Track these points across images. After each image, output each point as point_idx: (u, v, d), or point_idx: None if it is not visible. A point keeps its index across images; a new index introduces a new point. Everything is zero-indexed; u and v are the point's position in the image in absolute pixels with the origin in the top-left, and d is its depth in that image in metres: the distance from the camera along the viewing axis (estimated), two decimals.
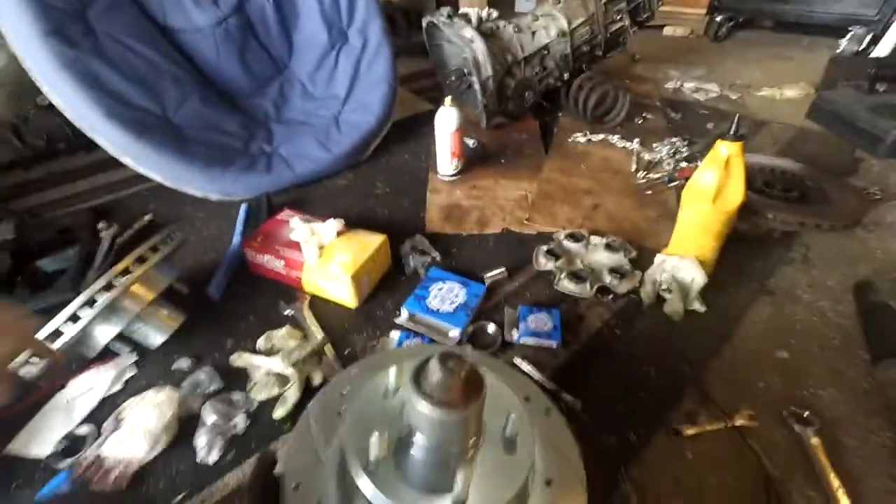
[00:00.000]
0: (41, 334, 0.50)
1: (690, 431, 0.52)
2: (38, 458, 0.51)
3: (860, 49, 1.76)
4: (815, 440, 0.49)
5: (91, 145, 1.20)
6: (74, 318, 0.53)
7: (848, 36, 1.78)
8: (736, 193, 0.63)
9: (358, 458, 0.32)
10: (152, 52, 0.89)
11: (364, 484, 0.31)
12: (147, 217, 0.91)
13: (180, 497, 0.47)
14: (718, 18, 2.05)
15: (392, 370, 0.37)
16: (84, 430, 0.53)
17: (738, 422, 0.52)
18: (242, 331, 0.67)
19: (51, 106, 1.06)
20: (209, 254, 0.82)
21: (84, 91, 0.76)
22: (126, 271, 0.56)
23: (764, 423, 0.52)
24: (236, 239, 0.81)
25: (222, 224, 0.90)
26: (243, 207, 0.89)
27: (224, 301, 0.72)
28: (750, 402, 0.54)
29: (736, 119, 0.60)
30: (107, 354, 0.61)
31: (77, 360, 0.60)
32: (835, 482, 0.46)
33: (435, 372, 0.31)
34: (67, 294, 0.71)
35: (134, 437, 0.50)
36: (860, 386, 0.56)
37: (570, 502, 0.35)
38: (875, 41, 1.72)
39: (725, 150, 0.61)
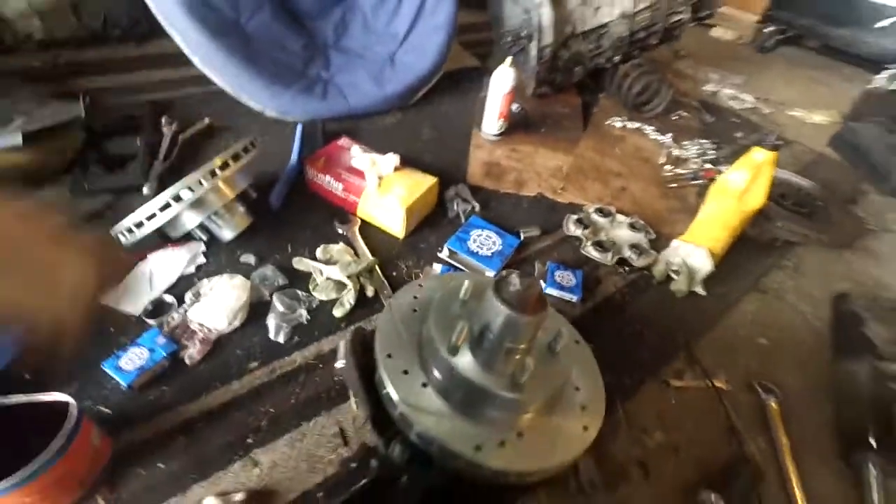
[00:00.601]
0: (151, 206, 0.57)
1: (677, 384, 0.62)
2: (130, 314, 0.59)
3: (894, 88, 1.81)
4: (774, 406, 0.61)
5: (143, 37, 1.21)
6: (166, 206, 0.59)
7: (885, 73, 1.82)
8: (759, 196, 0.71)
9: (442, 341, 0.41)
10: None
11: (445, 360, 0.40)
12: (207, 120, 0.94)
13: (255, 364, 0.56)
14: (768, 30, 2.05)
15: (466, 282, 0.45)
16: (168, 298, 0.61)
17: (717, 384, 0.63)
18: (300, 240, 0.74)
19: None
20: (265, 166, 0.87)
21: None
22: (213, 172, 0.61)
23: (737, 388, 0.63)
24: (294, 156, 0.87)
25: (274, 140, 0.94)
26: (299, 128, 0.94)
27: (283, 211, 0.79)
28: (728, 372, 0.65)
29: (775, 134, 0.67)
30: (180, 240, 0.68)
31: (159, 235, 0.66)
32: (783, 439, 0.57)
33: (515, 285, 0.39)
34: (138, 179, 0.77)
35: (215, 311, 0.58)
36: (819, 377, 0.68)
37: (594, 408, 0.45)
38: None
39: (761, 156, 0.68)
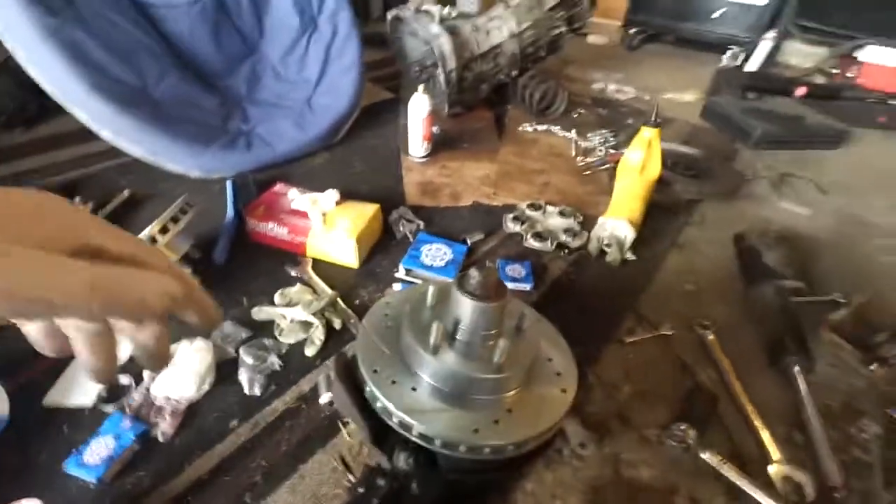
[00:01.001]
0: None
1: (631, 339, 0.70)
2: (81, 406, 0.55)
3: (738, 64, 2.17)
4: (711, 338, 0.70)
5: (31, 121, 1.14)
6: None
7: (728, 53, 2.19)
8: (655, 167, 0.83)
9: (421, 346, 0.44)
10: (131, 25, 0.88)
11: (429, 361, 0.43)
12: (126, 192, 0.90)
13: (235, 422, 0.55)
14: (632, 31, 2.38)
15: (431, 288, 0.49)
16: (124, 380, 0.57)
17: (663, 332, 0.72)
18: (254, 291, 0.73)
19: None
20: (200, 227, 0.85)
21: (66, 62, 0.75)
22: (161, 231, 0.60)
23: (679, 332, 0.72)
24: (230, 210, 0.86)
25: (205, 200, 0.92)
26: (229, 183, 0.93)
27: (230, 266, 0.77)
28: (670, 319, 0.74)
29: (655, 110, 0.79)
30: None
31: None
32: (725, 364, 0.66)
33: (475, 277, 0.44)
34: None
35: (181, 379, 0.56)
36: (739, 305, 0.79)
37: (567, 373, 0.49)
38: (747, 58, 2.14)
39: (648, 133, 0.80)
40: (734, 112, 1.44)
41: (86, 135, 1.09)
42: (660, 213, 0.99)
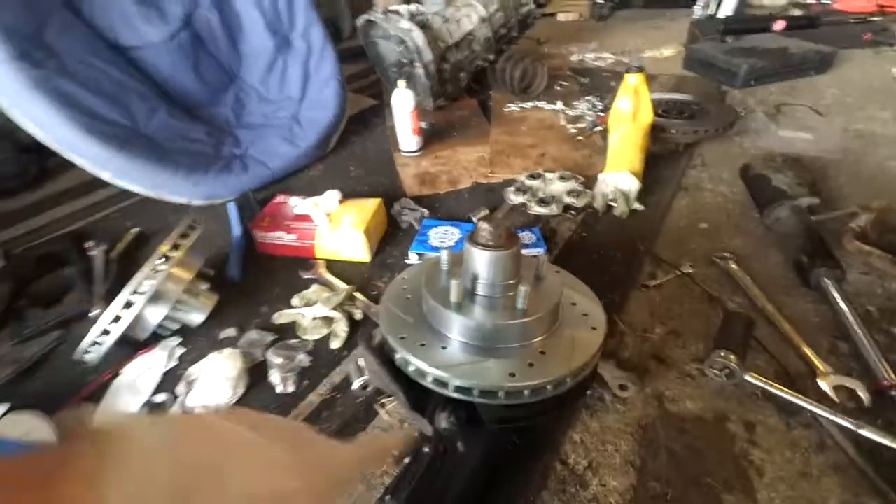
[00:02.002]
0: (113, 310, 0.55)
1: (654, 283, 0.69)
2: None
3: (711, 13, 2.16)
4: (734, 267, 0.69)
5: (34, 183, 1.17)
6: (128, 304, 0.58)
7: (699, 3, 2.18)
8: (647, 113, 0.83)
9: (445, 304, 0.43)
10: (113, 69, 0.90)
11: (455, 318, 0.43)
12: (134, 230, 0.92)
13: None
14: (599, 1, 2.39)
15: (444, 253, 0.49)
16: (160, 397, 0.58)
17: (684, 270, 0.70)
18: (271, 300, 0.73)
19: None
20: (210, 248, 0.86)
21: (58, 110, 0.77)
22: (165, 257, 0.61)
23: (700, 267, 0.71)
24: (236, 229, 0.87)
25: (210, 223, 0.93)
26: (231, 205, 0.94)
27: (245, 281, 0.78)
28: (689, 258, 0.73)
29: (635, 55, 0.79)
30: (150, 344, 0.65)
31: (128, 345, 0.63)
32: (753, 289, 0.65)
33: (486, 228, 0.44)
34: (82, 305, 0.73)
35: (215, 387, 0.56)
36: (758, 233, 0.78)
37: (594, 313, 0.49)
38: (719, 6, 2.13)
39: (633, 79, 0.80)
40: (717, 55, 1.43)
41: (87, 188, 1.13)
42: (660, 160, 0.99)
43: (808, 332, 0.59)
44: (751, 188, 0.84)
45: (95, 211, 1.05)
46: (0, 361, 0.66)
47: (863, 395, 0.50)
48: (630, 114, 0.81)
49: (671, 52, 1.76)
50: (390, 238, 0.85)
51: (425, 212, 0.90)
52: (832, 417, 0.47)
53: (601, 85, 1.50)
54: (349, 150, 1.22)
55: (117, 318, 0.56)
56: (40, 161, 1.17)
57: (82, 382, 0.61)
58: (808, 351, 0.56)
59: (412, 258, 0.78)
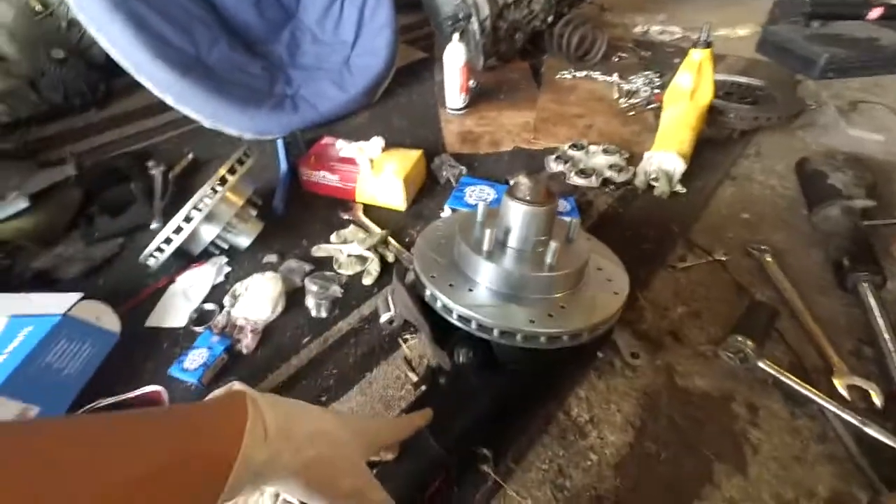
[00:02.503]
0: (175, 222, 0.61)
1: (682, 265, 0.69)
2: (175, 327, 0.62)
3: None
4: (770, 259, 0.68)
5: (102, 102, 1.24)
6: (188, 218, 0.63)
7: None
8: (707, 92, 0.79)
9: (477, 251, 0.46)
10: None
11: (484, 265, 0.45)
12: (190, 156, 0.98)
13: (307, 340, 0.60)
14: None
15: (481, 205, 0.51)
16: (209, 306, 0.64)
17: (717, 257, 0.70)
18: (311, 234, 0.78)
19: (66, 59, 1.10)
20: (259, 181, 0.91)
21: (132, 32, 0.82)
22: (222, 179, 0.66)
23: (734, 256, 0.70)
24: (283, 164, 0.91)
25: (259, 158, 0.98)
26: (280, 142, 0.98)
27: (288, 214, 0.83)
28: (723, 245, 0.72)
29: (707, 28, 0.75)
30: (202, 258, 0.72)
31: (182, 258, 0.70)
32: (785, 283, 0.64)
33: (525, 183, 0.45)
34: (144, 217, 0.80)
35: (257, 303, 0.62)
36: (802, 230, 0.75)
37: (618, 279, 0.50)
38: None
39: (698, 55, 0.76)
40: (796, 40, 1.32)
41: (150, 111, 1.20)
42: (712, 145, 0.95)
43: (833, 332, 0.58)
44: (804, 184, 0.81)
45: (156, 134, 1.12)
46: (73, 258, 0.74)
47: (877, 398, 0.50)
48: (689, 91, 0.78)
49: (746, 31, 1.63)
50: (427, 191, 0.88)
51: (464, 169, 0.91)
52: (838, 412, 0.48)
53: (663, 60, 1.42)
54: (395, 101, 1.23)
55: (178, 230, 0.62)
56: (108, 80, 1.24)
57: (143, 284, 0.69)
58: (828, 348, 0.56)
59: (446, 211, 0.80)
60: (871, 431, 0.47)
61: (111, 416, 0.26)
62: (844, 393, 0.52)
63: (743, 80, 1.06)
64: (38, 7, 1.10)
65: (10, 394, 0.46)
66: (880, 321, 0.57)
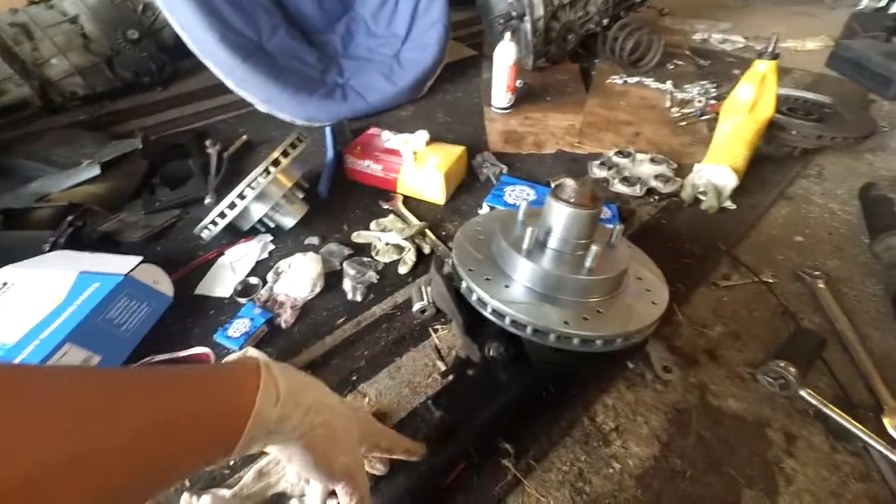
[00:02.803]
0: (230, 198, 0.65)
1: (726, 283, 0.67)
2: (221, 297, 0.66)
3: (881, 5, 1.83)
4: (822, 286, 0.64)
5: (167, 82, 1.32)
6: (241, 196, 0.67)
7: None
8: (768, 106, 0.76)
9: (517, 248, 0.46)
10: None
11: (523, 262, 0.46)
12: (244, 137, 1.03)
13: (342, 321, 0.63)
14: None
15: (524, 203, 0.51)
16: (253, 280, 0.68)
17: (763, 279, 0.67)
18: (352, 220, 0.81)
19: (139, 40, 1.17)
20: (307, 165, 0.95)
21: (201, 16, 0.87)
22: (276, 161, 0.69)
23: (783, 280, 0.67)
24: (330, 151, 0.94)
25: (307, 144, 1.02)
26: (328, 129, 1.01)
27: (331, 199, 0.86)
28: (772, 268, 0.69)
29: (774, 38, 0.72)
30: (249, 234, 0.76)
31: (231, 233, 0.74)
32: (837, 311, 0.61)
33: (571, 185, 0.45)
34: (200, 192, 0.85)
35: (298, 281, 0.65)
36: (860, 259, 0.71)
37: (658, 291, 0.49)
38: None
39: (763, 66, 0.73)
40: (872, 56, 1.24)
41: (210, 92, 1.26)
42: (769, 162, 0.91)
43: (886, 368, 0.55)
44: (867, 210, 0.76)
45: (214, 115, 1.18)
46: (135, 224, 0.80)
47: None
48: (749, 103, 0.75)
49: (816, 45, 1.54)
50: (467, 187, 0.88)
51: (505, 168, 0.91)
52: (886, 451, 0.46)
53: (722, 70, 1.36)
54: (441, 97, 1.24)
55: (232, 205, 0.66)
56: (174, 62, 1.32)
57: (195, 254, 0.74)
58: (880, 385, 0.53)
59: (484, 209, 0.81)
60: None
61: (130, 369, 0.28)
62: (894, 433, 0.49)
63: (810, 95, 1.00)
64: None
65: (78, 342, 0.51)
66: None
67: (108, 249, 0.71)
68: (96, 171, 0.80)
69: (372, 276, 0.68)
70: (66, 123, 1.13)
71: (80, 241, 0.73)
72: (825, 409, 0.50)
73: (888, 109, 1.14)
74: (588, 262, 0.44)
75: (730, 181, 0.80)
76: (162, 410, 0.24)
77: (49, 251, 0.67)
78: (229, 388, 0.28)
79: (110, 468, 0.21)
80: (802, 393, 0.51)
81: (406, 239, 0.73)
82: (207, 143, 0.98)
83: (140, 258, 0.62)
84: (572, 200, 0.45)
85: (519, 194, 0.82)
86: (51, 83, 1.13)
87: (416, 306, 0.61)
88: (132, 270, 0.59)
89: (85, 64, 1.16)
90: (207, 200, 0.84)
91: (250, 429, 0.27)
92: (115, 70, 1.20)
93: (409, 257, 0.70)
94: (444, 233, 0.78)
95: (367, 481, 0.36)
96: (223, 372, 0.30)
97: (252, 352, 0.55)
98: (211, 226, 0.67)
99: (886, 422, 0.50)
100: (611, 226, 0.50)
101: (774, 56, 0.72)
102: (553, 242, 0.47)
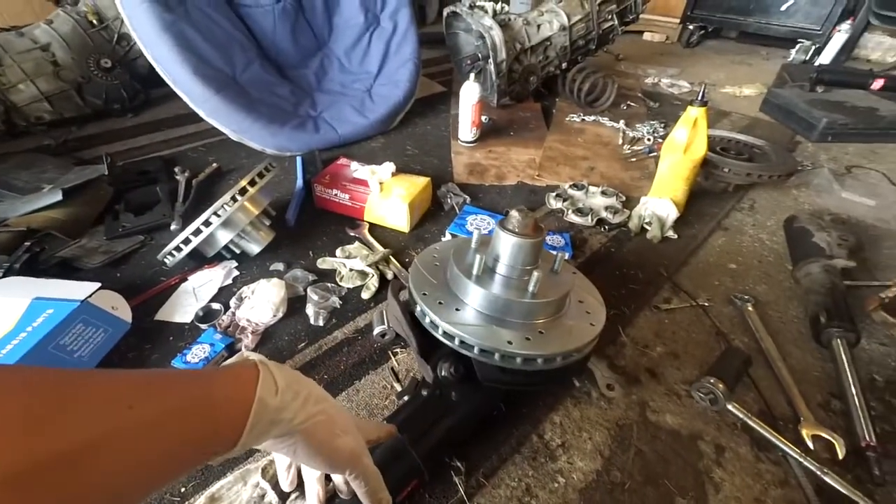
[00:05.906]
0: (195, 225, 0.66)
1: (666, 307, 0.72)
2: (182, 323, 0.66)
3: (807, 58, 2.06)
4: (751, 309, 0.71)
5: (138, 109, 1.33)
6: (207, 223, 0.68)
7: (797, 47, 2.08)
8: (700, 147, 0.84)
9: (467, 275, 0.50)
10: (226, 21, 1.03)
11: (473, 288, 0.49)
12: (214, 164, 1.05)
13: (303, 345, 0.64)
14: (691, 27, 2.32)
15: (476, 233, 0.55)
16: (216, 305, 0.69)
17: (700, 302, 0.73)
18: (318, 246, 0.83)
19: (112, 68, 1.19)
20: (275, 193, 0.98)
21: (177, 50, 0.90)
22: (243, 189, 0.71)
23: (717, 303, 0.73)
24: (299, 180, 0.97)
25: (277, 173, 1.05)
26: (299, 159, 1.05)
27: (299, 226, 0.88)
28: (708, 292, 0.76)
29: (703, 88, 0.81)
30: (214, 261, 0.77)
31: (196, 258, 0.74)
32: (763, 332, 0.67)
33: (516, 217, 0.50)
34: (165, 217, 0.86)
35: (260, 306, 0.66)
36: (784, 284, 0.78)
37: (597, 312, 0.54)
38: (818, 52, 2.02)
39: (694, 112, 0.82)
40: (798, 103, 1.39)
41: (180, 121, 1.28)
42: (707, 196, 1.00)
43: (804, 383, 0.60)
44: (790, 240, 0.84)
45: (185, 142, 1.19)
46: (96, 250, 0.80)
47: (839, 449, 0.52)
48: (683, 145, 0.83)
49: (752, 91, 1.71)
50: (431, 216, 0.93)
51: (468, 198, 0.96)
52: (801, 460, 0.50)
53: (669, 112, 1.49)
54: (411, 129, 1.30)
55: (197, 232, 0.67)
56: (147, 90, 1.34)
57: (157, 281, 0.74)
58: (798, 399, 0.58)
59: (447, 237, 0.85)
60: (830, 481, 0.49)
61: (127, 370, 0.28)
62: (809, 443, 0.53)
63: (741, 137, 1.12)
64: (95, 21, 1.21)
65: None
66: (850, 377, 0.59)
67: (67, 276, 0.71)
68: (58, 196, 0.80)
69: (335, 301, 0.70)
70: (29, 148, 1.12)
71: (36, 268, 0.72)
72: (750, 422, 0.54)
73: (812, 150, 1.28)
74: (531, 287, 0.48)
75: (671, 213, 0.88)
76: (162, 402, 0.24)
77: (2, 277, 0.66)
78: (230, 379, 0.29)
79: (116, 459, 0.21)
80: (730, 407, 0.56)
81: (370, 265, 0.75)
82: (177, 169, 0.99)
83: (98, 284, 0.62)
84: (517, 230, 0.50)
85: (480, 223, 0.87)
86: (16, 108, 1.13)
87: (377, 330, 0.64)
88: (90, 296, 0.59)
89: (53, 90, 1.16)
90: (173, 227, 0.85)
91: (254, 416, 0.27)
92: (84, 97, 1.20)
93: (373, 283, 0.73)
94: (407, 259, 0.81)
95: (374, 466, 0.36)
96: (223, 368, 0.31)
97: (251, 355, 0.55)
98: (175, 251, 0.68)
99: (803, 432, 0.55)
100: (555, 252, 0.55)
101: (704, 103, 0.81)
102: (501, 269, 0.51)
